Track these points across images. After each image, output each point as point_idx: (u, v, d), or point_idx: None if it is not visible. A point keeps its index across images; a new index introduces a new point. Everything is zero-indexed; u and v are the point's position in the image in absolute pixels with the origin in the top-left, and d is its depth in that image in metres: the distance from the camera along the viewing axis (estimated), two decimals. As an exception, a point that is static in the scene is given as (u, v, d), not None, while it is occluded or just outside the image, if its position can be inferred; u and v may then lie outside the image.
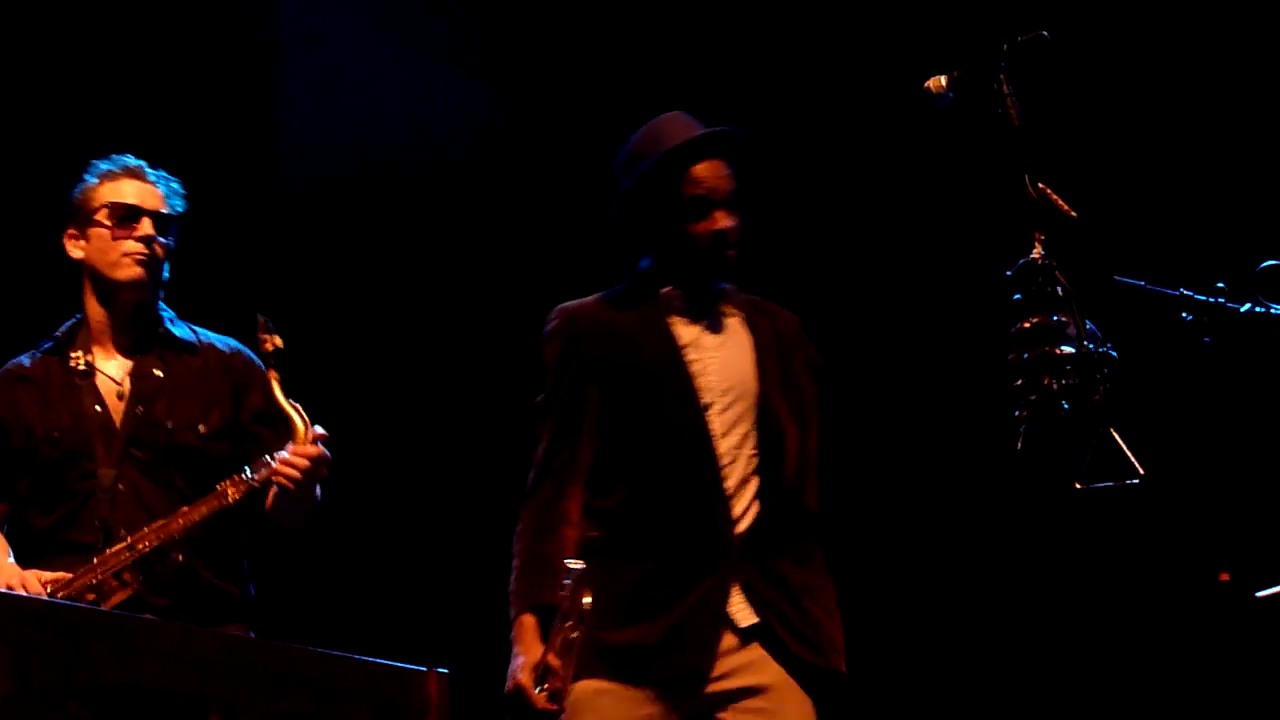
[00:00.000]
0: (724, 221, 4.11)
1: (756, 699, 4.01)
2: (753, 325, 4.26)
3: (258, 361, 4.51)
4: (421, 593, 6.21)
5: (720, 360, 4.17)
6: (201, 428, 4.47)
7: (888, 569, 6.45)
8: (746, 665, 4.02)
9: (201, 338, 4.61)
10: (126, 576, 4.24)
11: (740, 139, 4.18)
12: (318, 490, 4.43)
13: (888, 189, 6.37)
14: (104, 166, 4.56)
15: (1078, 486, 3.21)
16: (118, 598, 4.24)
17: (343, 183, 6.43)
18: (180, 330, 4.58)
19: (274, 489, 4.34)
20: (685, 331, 4.18)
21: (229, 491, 4.29)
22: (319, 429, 4.32)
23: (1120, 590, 6.16)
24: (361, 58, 6.51)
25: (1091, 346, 3.20)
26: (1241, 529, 5.66)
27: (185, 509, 4.28)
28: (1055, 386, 3.17)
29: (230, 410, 4.52)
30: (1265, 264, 3.63)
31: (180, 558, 4.30)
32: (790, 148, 6.41)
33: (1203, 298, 3.59)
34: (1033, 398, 3.18)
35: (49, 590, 4.23)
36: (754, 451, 4.12)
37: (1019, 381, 3.20)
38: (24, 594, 4.13)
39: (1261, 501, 5.68)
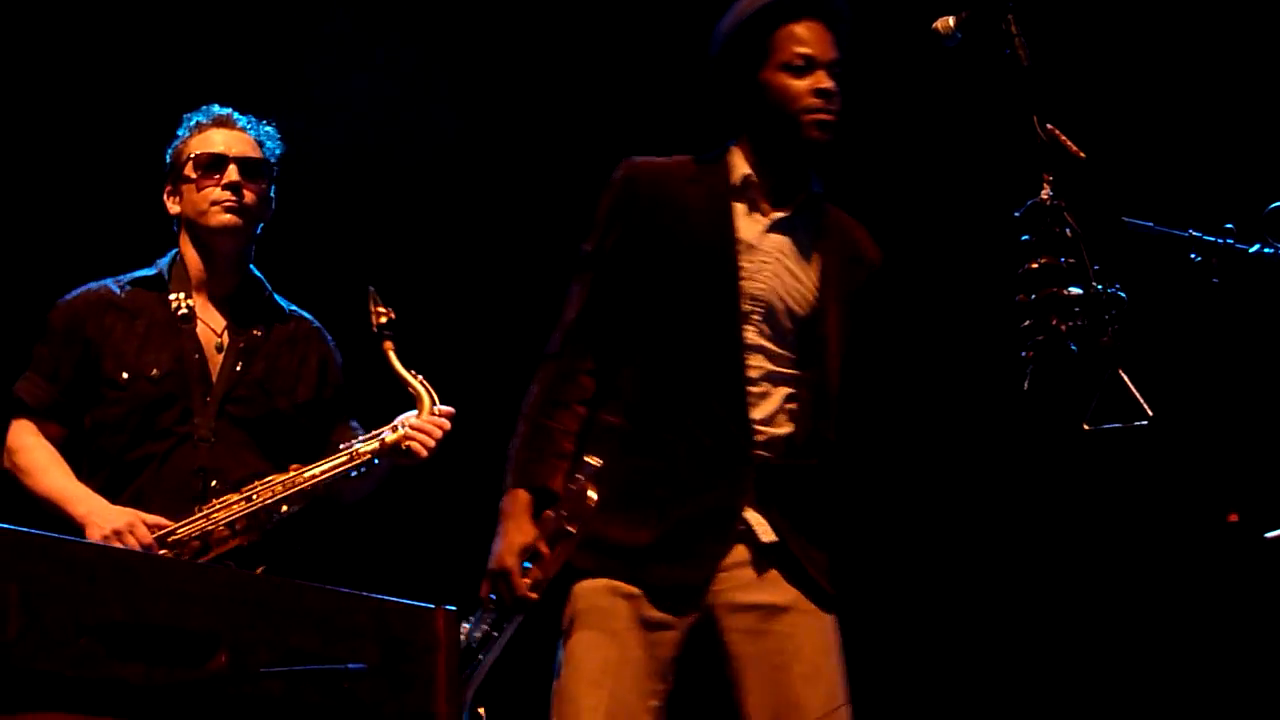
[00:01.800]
0: (828, 82, 3.96)
1: (773, 620, 3.94)
2: (825, 241, 4.10)
3: (331, 339, 4.63)
4: (429, 530, 6.23)
5: (774, 269, 4.01)
6: (294, 397, 4.52)
7: (897, 507, 6.47)
8: (762, 582, 3.95)
9: (288, 308, 4.65)
10: (239, 525, 4.28)
11: (847, 13, 4.05)
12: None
13: (896, 129, 6.36)
14: (193, 119, 4.58)
15: (1085, 428, 3.21)
16: (224, 548, 4.26)
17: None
18: (277, 297, 4.63)
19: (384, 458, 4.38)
20: (749, 226, 4.02)
21: (357, 449, 4.34)
22: (448, 408, 4.37)
23: (1129, 532, 6.17)
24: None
25: (1099, 287, 3.20)
26: (1250, 470, 5.66)
27: (303, 466, 4.33)
28: (1063, 328, 3.17)
29: (316, 386, 4.58)
30: (1274, 205, 3.62)
31: (285, 510, 4.32)
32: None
33: (1211, 239, 3.58)
34: (1040, 339, 3.18)
35: (156, 536, 4.25)
36: (787, 371, 4.00)
37: (1027, 323, 3.20)
38: (129, 542, 4.17)
39: (1270, 443, 5.68)
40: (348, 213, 6.43)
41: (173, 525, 4.25)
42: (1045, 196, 3.24)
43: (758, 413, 3.97)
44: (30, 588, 2.27)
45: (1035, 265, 3.21)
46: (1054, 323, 3.17)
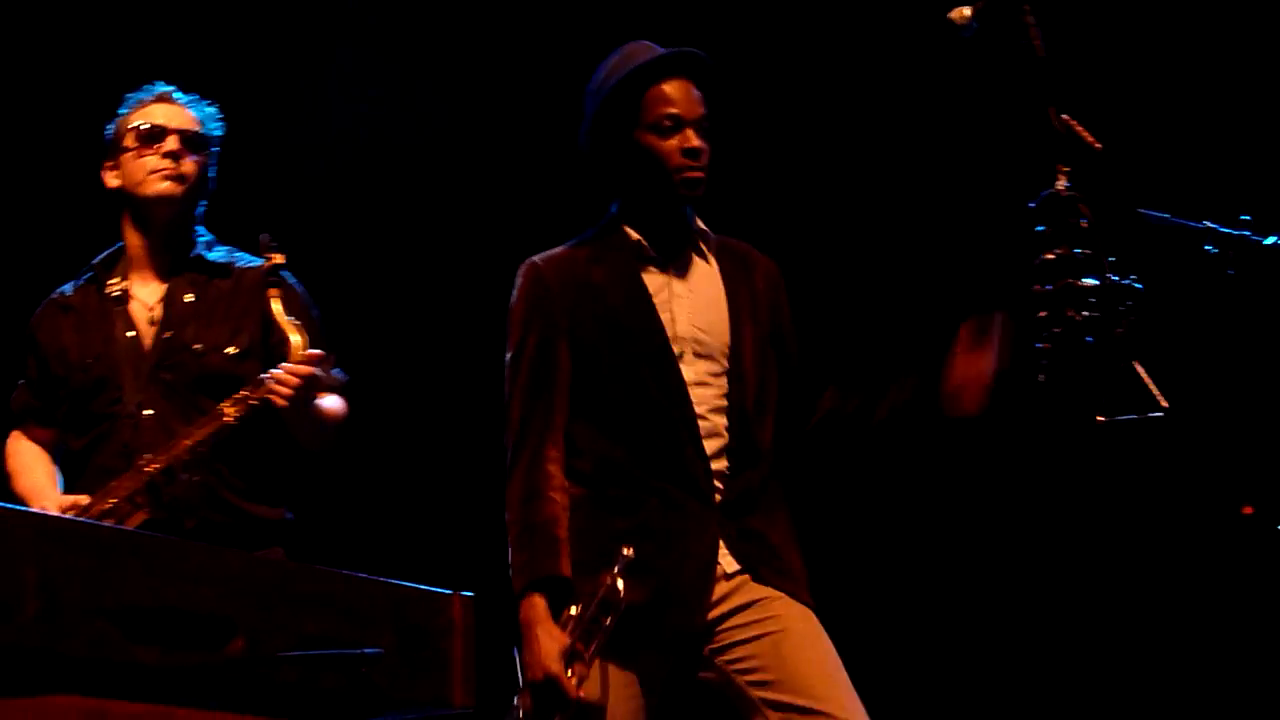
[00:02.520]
0: (695, 140, 4.05)
1: (749, 611, 4.00)
2: (724, 268, 4.22)
3: (293, 282, 4.52)
4: (447, 516, 6.24)
5: (690, 306, 4.12)
6: (231, 349, 4.45)
7: (910, 497, 6.47)
8: (732, 591, 4.01)
9: (238, 261, 4.59)
10: (139, 499, 4.24)
11: (708, 63, 4.11)
12: (335, 408, 4.46)
13: (911, 120, 6.36)
14: (135, 97, 4.58)
15: (1100, 419, 3.22)
16: (134, 520, 4.24)
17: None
18: (216, 254, 4.58)
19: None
20: (655, 279, 4.14)
21: (226, 410, 4.26)
22: (317, 350, 4.27)
23: (1144, 524, 6.17)
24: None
25: (1115, 278, 3.21)
26: (1264, 463, 5.65)
27: (186, 429, 4.27)
28: (1078, 319, 3.17)
29: (260, 331, 4.48)
30: (1290, 197, 3.62)
31: (196, 479, 4.30)
32: (811, 76, 6.41)
33: (1227, 230, 3.59)
34: (1056, 330, 3.18)
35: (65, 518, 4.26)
36: (723, 399, 4.09)
37: (1042, 314, 3.20)
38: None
39: (1285, 435, 5.68)
40: (344, 204, 6.44)
41: (85, 503, 4.26)
42: (1061, 187, 3.24)
43: (710, 448, 4.06)
44: (48, 570, 2.28)
45: (1051, 256, 3.21)
46: (1069, 314, 3.17)
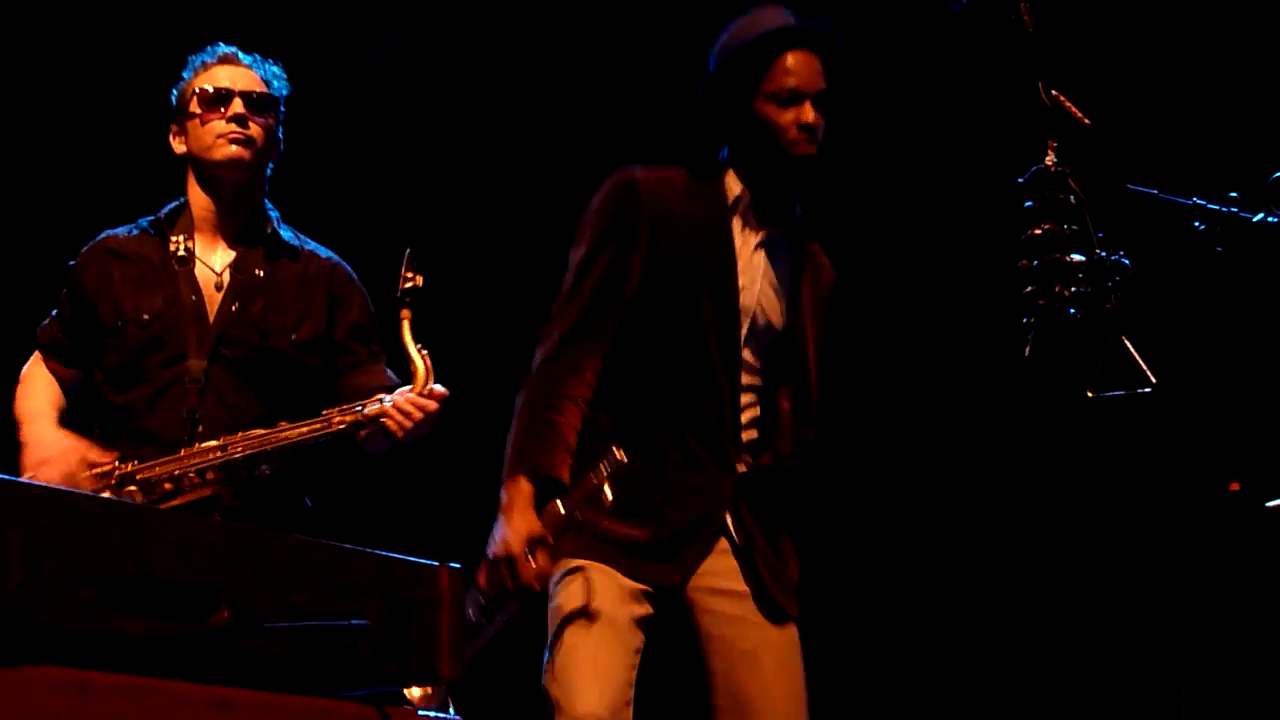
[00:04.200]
0: (811, 115, 4.04)
1: (736, 604, 4.06)
2: (800, 260, 4.22)
3: (356, 277, 4.53)
4: (435, 488, 6.24)
5: (761, 285, 4.13)
6: (294, 336, 4.43)
7: (900, 473, 6.48)
8: (729, 570, 4.06)
9: (306, 245, 4.57)
10: (210, 475, 4.21)
11: (836, 38, 4.12)
12: None
13: (902, 95, 6.35)
14: (198, 59, 4.52)
15: (1089, 394, 3.22)
16: (196, 495, 4.20)
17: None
18: (286, 233, 4.54)
19: (374, 426, 4.26)
20: (742, 245, 4.12)
21: (335, 418, 4.24)
22: (439, 387, 4.23)
23: (1131, 499, 6.18)
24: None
25: (1103, 254, 3.20)
26: (1252, 439, 5.67)
27: (287, 425, 4.25)
28: (1066, 294, 3.17)
29: (325, 323, 4.49)
30: (1279, 174, 3.62)
31: (267, 470, 4.28)
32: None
33: (1215, 207, 3.58)
34: (1043, 304, 3.18)
35: (119, 471, 4.23)
36: (767, 379, 4.13)
37: (1029, 288, 3.20)
38: (46, 477, 4.18)
39: (1272, 412, 5.69)
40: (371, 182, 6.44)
41: (137, 465, 4.22)
42: (1050, 163, 3.23)
43: (746, 418, 4.10)
44: (31, 538, 2.27)
45: (1039, 231, 3.20)
46: (1057, 289, 3.17)
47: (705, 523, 4.04)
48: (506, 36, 6.58)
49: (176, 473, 4.20)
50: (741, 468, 4.09)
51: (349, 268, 4.56)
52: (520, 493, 3.90)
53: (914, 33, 5.81)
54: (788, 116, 4.03)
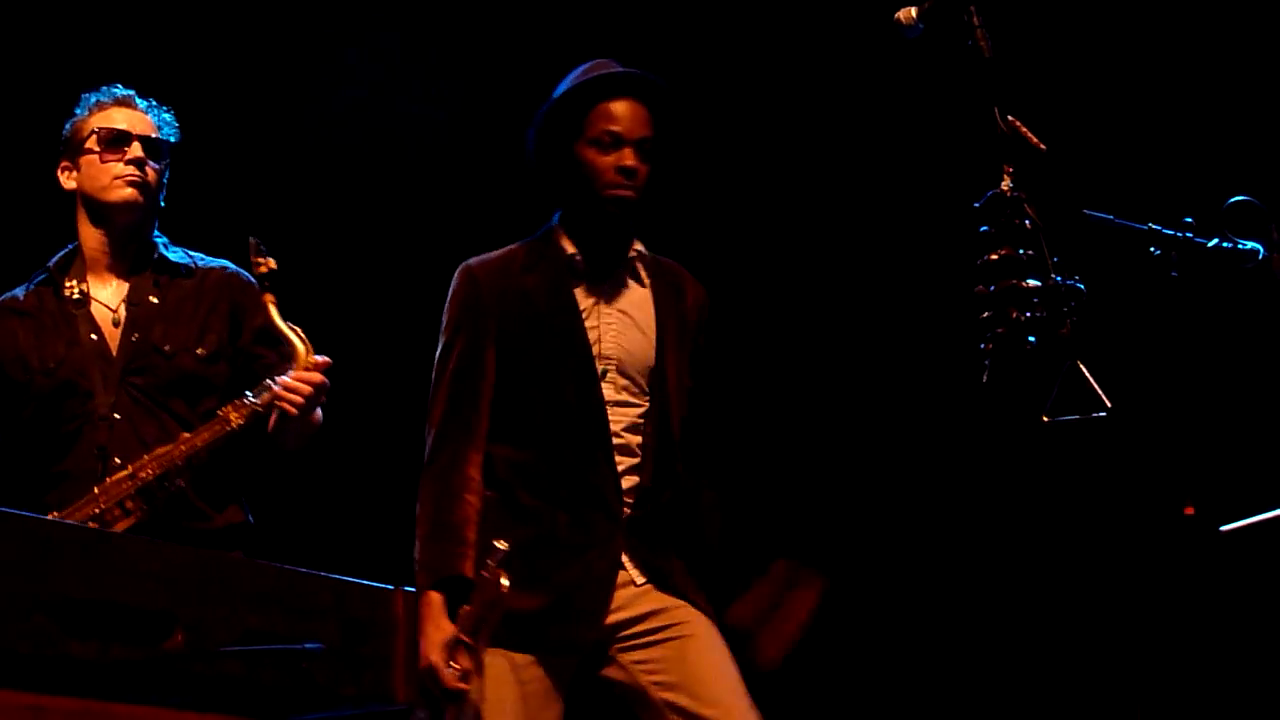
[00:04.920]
0: (631, 160, 4.11)
1: (655, 618, 4.12)
2: (656, 290, 4.30)
3: (255, 283, 4.47)
4: (389, 511, 6.22)
5: (618, 327, 4.21)
6: (199, 350, 4.44)
7: (858, 502, 6.48)
8: (638, 598, 4.13)
9: (198, 262, 4.58)
10: (129, 504, 4.21)
11: (661, 87, 4.18)
12: (319, 413, 4.41)
13: (857, 120, 6.37)
14: (94, 98, 4.54)
15: (1044, 419, 3.22)
16: (121, 525, 4.21)
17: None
18: (175, 255, 4.55)
19: (276, 412, 4.30)
20: (586, 295, 4.21)
21: (231, 416, 4.26)
22: (320, 357, 4.28)
23: (1086, 524, 6.19)
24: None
25: (1058, 279, 3.21)
26: (1207, 463, 5.68)
27: (187, 435, 4.26)
28: (1022, 319, 3.17)
29: (227, 332, 4.50)
30: (1233, 199, 3.64)
31: (182, 484, 4.28)
32: (759, 79, 6.41)
33: (1171, 232, 3.60)
34: (999, 330, 3.19)
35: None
36: (641, 419, 4.20)
37: (985, 314, 3.21)
38: None
39: (1227, 436, 5.71)
40: (336, 198, 6.42)
41: (58, 516, 4.19)
42: (1005, 188, 3.24)
43: (623, 466, 4.17)
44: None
45: (994, 256, 3.21)
46: (1013, 314, 3.18)
47: (603, 574, 4.11)
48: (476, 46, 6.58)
49: (98, 510, 4.22)
50: (627, 512, 4.15)
51: (247, 275, 4.51)
52: (431, 604, 4.01)
53: (871, 58, 5.83)
54: (607, 160, 4.12)
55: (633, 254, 4.29)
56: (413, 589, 2.78)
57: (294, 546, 4.56)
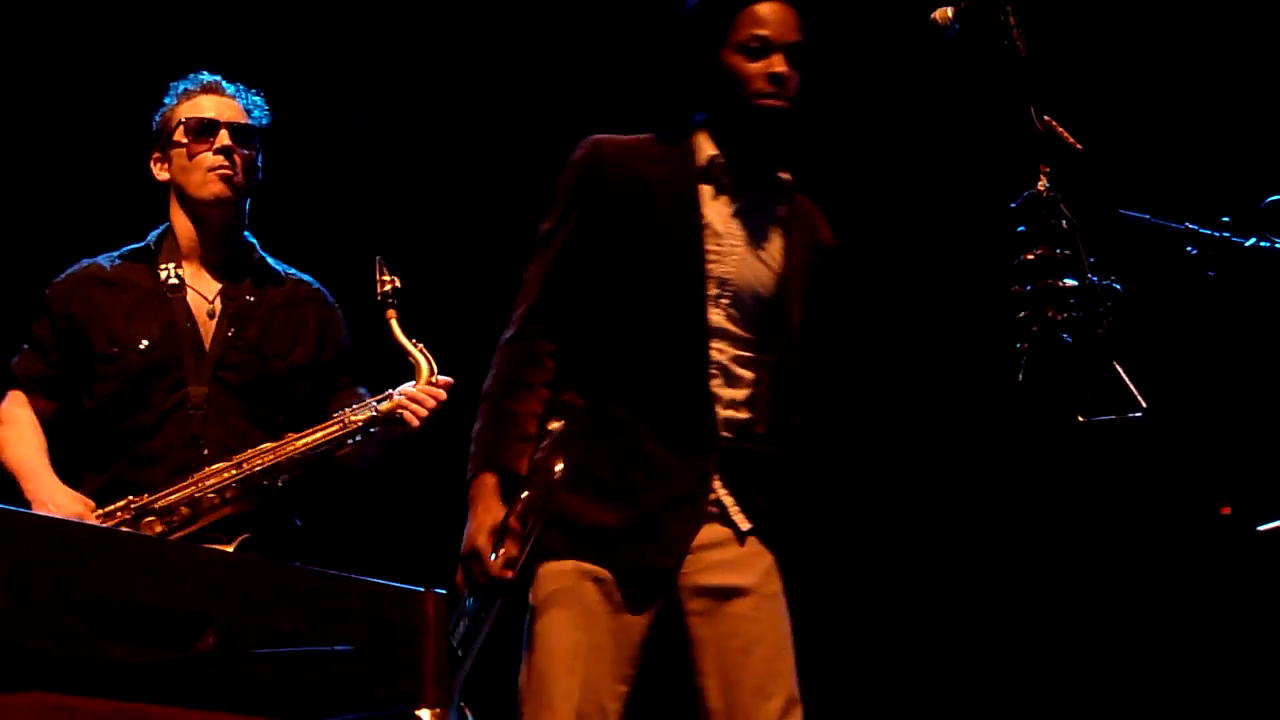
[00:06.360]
0: (781, 66, 3.86)
1: (732, 603, 3.90)
2: (789, 225, 4.05)
3: (337, 304, 4.56)
4: (420, 514, 6.23)
5: (741, 254, 3.95)
6: (290, 360, 4.47)
7: (891, 499, 6.47)
8: (727, 565, 3.92)
9: (289, 272, 4.60)
10: (229, 494, 4.26)
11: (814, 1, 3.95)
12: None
13: (894, 119, 6.36)
14: (181, 86, 4.55)
15: (1080, 419, 3.21)
16: (215, 516, 4.24)
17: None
18: (270, 261, 4.58)
19: (380, 426, 4.34)
20: (715, 209, 3.95)
21: (350, 417, 4.31)
22: (443, 376, 4.33)
23: (1123, 524, 6.17)
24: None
25: (1095, 279, 3.20)
26: (1243, 463, 5.66)
27: (296, 435, 4.31)
28: (1058, 319, 3.16)
29: (315, 348, 4.53)
30: (1271, 199, 3.62)
31: (282, 483, 4.30)
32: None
33: (1208, 232, 3.58)
34: (1035, 330, 3.18)
35: (135, 504, 4.24)
36: (751, 355, 3.95)
37: (1022, 314, 3.20)
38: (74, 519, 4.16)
39: (1263, 436, 5.69)
40: (354, 188, 6.43)
41: (151, 497, 4.25)
42: (1042, 188, 3.23)
43: (722, 396, 3.93)
44: (17, 565, 2.26)
45: (1031, 256, 3.20)
46: (1049, 314, 3.17)
47: (689, 500, 3.88)
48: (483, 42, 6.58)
49: (196, 496, 4.23)
50: (721, 445, 3.91)
51: (329, 294, 4.61)
52: (483, 488, 3.85)
53: (908, 58, 5.81)
54: (756, 67, 3.86)
55: (777, 179, 4.04)
56: (443, 591, 2.77)
57: (325, 548, 4.57)
